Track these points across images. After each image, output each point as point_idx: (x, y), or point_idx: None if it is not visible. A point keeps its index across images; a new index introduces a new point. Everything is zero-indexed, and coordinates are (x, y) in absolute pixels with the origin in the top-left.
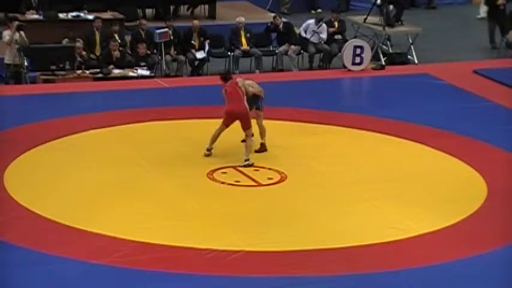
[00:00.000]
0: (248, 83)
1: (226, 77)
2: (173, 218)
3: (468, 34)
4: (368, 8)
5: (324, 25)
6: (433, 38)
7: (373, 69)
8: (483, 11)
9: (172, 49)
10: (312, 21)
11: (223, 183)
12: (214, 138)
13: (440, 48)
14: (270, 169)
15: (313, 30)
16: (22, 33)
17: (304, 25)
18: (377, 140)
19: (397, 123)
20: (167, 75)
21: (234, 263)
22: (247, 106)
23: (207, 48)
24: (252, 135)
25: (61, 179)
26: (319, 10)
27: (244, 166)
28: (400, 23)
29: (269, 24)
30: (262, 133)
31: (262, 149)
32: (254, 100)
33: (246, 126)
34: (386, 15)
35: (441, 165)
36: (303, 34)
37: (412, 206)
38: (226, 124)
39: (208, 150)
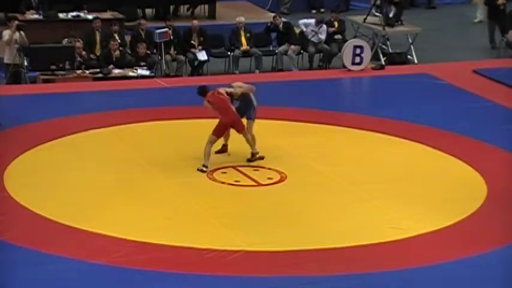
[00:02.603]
0: (236, 84)
1: (201, 91)
2: (173, 218)
3: (468, 34)
4: (368, 8)
5: (324, 26)
6: (433, 38)
7: (373, 69)
8: (480, 12)
9: (172, 49)
10: (312, 21)
11: (223, 183)
12: (209, 155)
13: (440, 48)
14: (270, 169)
15: (312, 30)
16: (22, 33)
17: (306, 21)
18: (377, 140)
19: (397, 123)
20: (167, 75)
21: (234, 263)
22: (236, 113)
23: (204, 56)
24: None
25: (61, 179)
26: (322, 10)
27: (256, 159)
28: (399, 23)
29: (269, 24)
30: (253, 143)
31: (255, 157)
32: (245, 106)
33: (240, 129)
34: (386, 15)
35: (441, 165)
36: (303, 28)
37: (412, 206)
38: (218, 135)
39: (205, 166)
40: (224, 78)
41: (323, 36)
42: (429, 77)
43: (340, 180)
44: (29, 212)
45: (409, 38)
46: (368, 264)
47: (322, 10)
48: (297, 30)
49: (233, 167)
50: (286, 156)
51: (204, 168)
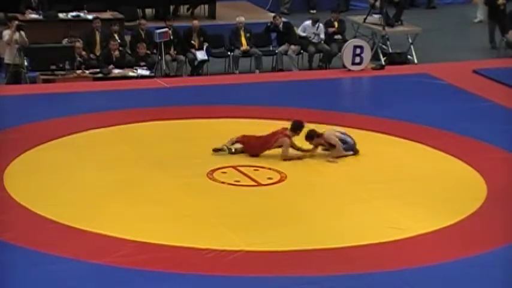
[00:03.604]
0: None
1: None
2: (173, 218)
3: (468, 34)
4: (368, 7)
5: (321, 25)
6: (433, 38)
7: (373, 69)
8: (480, 12)
9: (172, 49)
10: (308, 22)
11: (223, 183)
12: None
13: (440, 48)
14: (270, 169)
15: (313, 33)
16: (22, 33)
17: (301, 27)
18: (377, 140)
19: (397, 123)
20: (167, 75)
21: (234, 263)
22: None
23: (205, 56)
24: None
25: (61, 179)
26: (313, 11)
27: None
28: (399, 23)
29: (269, 24)
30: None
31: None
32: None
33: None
34: (386, 15)
35: (441, 165)
36: (302, 34)
37: (412, 206)
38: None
39: (229, 146)
40: (224, 78)
41: (322, 35)
42: (429, 77)
43: (340, 180)
44: (29, 212)
45: (409, 38)
46: (368, 264)
47: (313, 11)
48: (297, 31)
49: (233, 167)
50: None
51: (226, 148)
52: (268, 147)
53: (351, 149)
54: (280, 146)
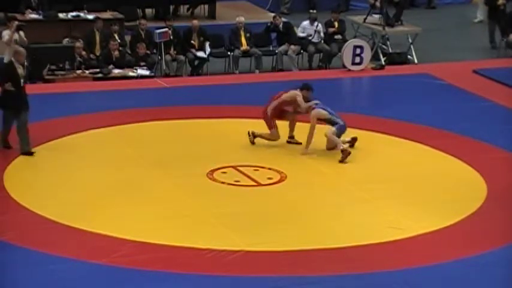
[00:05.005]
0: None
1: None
2: (173, 218)
3: (468, 34)
4: (368, 7)
5: (319, 24)
6: (433, 38)
7: (373, 69)
8: (480, 12)
9: (172, 49)
10: (306, 22)
11: (223, 183)
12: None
13: (440, 48)
14: (270, 169)
15: (314, 30)
16: (21, 33)
17: (300, 28)
18: (377, 140)
19: (397, 123)
20: (167, 75)
21: (234, 263)
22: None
23: (208, 50)
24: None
25: (61, 179)
26: (312, 11)
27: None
28: (399, 23)
29: (269, 24)
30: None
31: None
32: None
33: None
34: (386, 15)
35: (441, 165)
36: (302, 35)
37: (412, 206)
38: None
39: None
40: (224, 78)
41: (321, 33)
42: (429, 77)
43: (340, 180)
44: (29, 212)
45: (409, 38)
46: (368, 264)
47: (313, 11)
48: (297, 31)
49: (233, 167)
50: (286, 156)
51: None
52: (277, 97)
53: (342, 130)
54: (289, 104)
